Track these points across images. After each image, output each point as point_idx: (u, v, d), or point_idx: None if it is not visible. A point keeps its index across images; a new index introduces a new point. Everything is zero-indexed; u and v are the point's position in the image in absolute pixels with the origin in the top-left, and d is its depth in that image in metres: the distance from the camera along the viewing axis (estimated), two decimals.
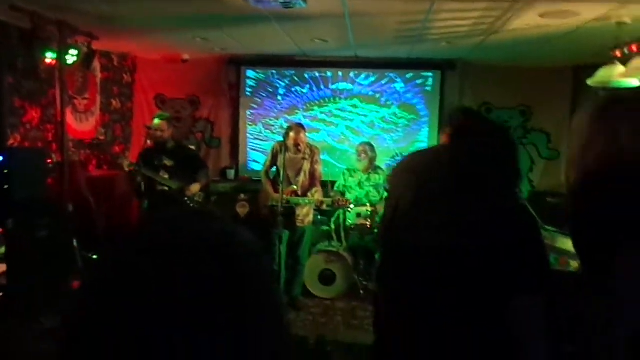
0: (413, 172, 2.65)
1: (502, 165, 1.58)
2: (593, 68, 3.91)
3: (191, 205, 4.32)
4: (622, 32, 3.58)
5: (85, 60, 4.61)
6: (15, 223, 3.71)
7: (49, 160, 4.48)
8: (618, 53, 3.65)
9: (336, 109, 6.18)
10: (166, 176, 4.27)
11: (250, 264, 0.49)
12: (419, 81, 6.07)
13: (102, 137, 5.61)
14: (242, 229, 0.52)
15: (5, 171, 3.74)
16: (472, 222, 1.48)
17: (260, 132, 6.37)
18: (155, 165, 4.26)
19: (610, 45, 3.73)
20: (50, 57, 4.24)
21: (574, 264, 3.92)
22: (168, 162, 4.30)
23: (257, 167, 6.09)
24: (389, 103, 6.11)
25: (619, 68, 3.57)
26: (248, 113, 6.36)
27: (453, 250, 1.46)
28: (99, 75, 5.54)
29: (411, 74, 6.05)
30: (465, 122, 2.75)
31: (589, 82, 3.89)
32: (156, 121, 4.29)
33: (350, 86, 6.13)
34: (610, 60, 3.70)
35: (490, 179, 1.56)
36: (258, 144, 6.38)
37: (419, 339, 1.53)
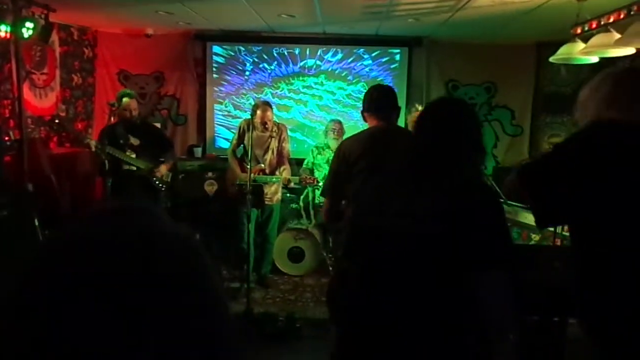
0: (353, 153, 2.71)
1: (460, 143, 1.60)
2: (555, 45, 3.98)
3: (159, 185, 4.25)
4: (583, 9, 3.64)
5: (43, 33, 4.41)
6: None
7: (7, 138, 4.31)
8: (579, 30, 3.72)
9: (303, 87, 6.13)
10: (133, 155, 4.17)
11: (185, 263, 0.49)
12: (386, 58, 6.06)
13: (63, 114, 5.41)
14: (183, 226, 0.52)
15: None
16: (432, 205, 1.50)
17: (228, 109, 6.28)
18: (121, 144, 4.13)
19: (571, 22, 3.80)
20: (4, 30, 4.04)
21: (535, 237, 4.06)
22: (135, 141, 4.18)
23: (225, 144, 6.01)
24: (356, 80, 6.10)
25: (580, 45, 3.64)
26: (215, 89, 6.24)
27: (415, 233, 1.49)
28: (57, 49, 5.32)
29: (379, 51, 6.04)
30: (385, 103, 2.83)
31: (551, 59, 3.96)
32: (126, 99, 4.12)
33: (318, 63, 6.07)
34: (571, 38, 3.77)
35: (448, 159, 1.58)
36: (225, 120, 6.30)
37: (380, 317, 1.56)
